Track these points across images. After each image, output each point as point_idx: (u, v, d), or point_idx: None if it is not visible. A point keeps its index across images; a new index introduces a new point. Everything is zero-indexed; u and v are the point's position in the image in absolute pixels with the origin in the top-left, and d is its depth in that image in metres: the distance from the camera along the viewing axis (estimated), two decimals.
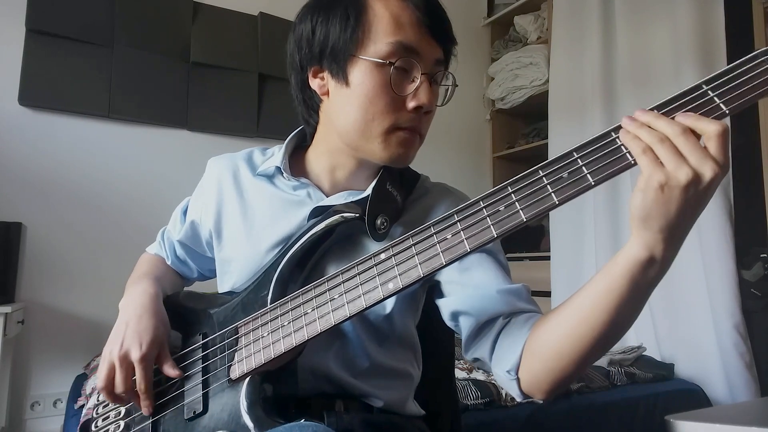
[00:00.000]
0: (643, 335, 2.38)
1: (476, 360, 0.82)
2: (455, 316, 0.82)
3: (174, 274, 1.06)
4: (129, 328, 0.81)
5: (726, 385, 2.15)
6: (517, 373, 0.73)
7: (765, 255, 2.22)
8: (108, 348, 0.81)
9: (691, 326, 2.28)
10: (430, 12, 0.79)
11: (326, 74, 0.84)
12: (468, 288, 0.81)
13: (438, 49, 0.81)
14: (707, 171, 0.53)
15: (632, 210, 0.57)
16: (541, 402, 1.70)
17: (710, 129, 0.54)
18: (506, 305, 0.79)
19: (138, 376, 0.78)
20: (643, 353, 2.24)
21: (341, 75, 0.80)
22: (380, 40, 0.77)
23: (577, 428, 1.76)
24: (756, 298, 2.22)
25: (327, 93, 0.85)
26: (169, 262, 1.06)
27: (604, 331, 0.64)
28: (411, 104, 0.79)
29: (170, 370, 0.80)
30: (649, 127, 0.56)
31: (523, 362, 0.73)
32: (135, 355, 0.78)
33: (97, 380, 0.82)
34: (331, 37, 0.80)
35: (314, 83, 0.86)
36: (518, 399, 0.76)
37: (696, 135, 0.55)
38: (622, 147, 0.57)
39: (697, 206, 0.56)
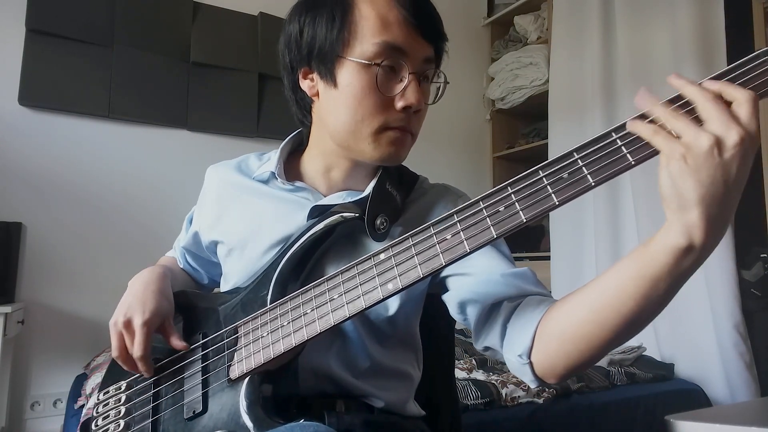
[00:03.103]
0: (643, 335, 2.37)
1: (487, 349, 0.79)
2: (462, 307, 0.81)
3: (187, 276, 1.08)
4: (134, 299, 0.84)
5: (726, 385, 2.15)
6: (529, 357, 0.71)
7: (765, 255, 2.22)
8: (113, 319, 0.83)
9: (691, 326, 2.28)
10: (417, 10, 0.79)
11: (315, 75, 0.83)
12: (470, 276, 0.80)
13: (427, 47, 0.80)
14: (732, 134, 0.51)
15: (662, 191, 0.55)
16: (542, 402, 1.71)
17: (739, 95, 0.53)
18: (512, 288, 0.77)
19: (136, 341, 0.80)
20: (643, 353, 2.24)
21: (329, 76, 0.80)
22: (366, 40, 0.77)
23: (577, 428, 1.75)
24: (756, 298, 2.22)
25: (317, 94, 0.84)
26: (181, 266, 1.08)
27: (628, 318, 0.62)
28: (399, 104, 0.78)
29: (176, 342, 0.82)
30: (674, 99, 0.56)
31: (536, 345, 0.70)
32: (137, 321, 0.80)
33: (112, 351, 0.83)
34: (317, 38, 0.80)
35: (304, 84, 0.86)
36: (532, 385, 0.74)
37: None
38: (623, 147, 0.56)
39: (730, 177, 0.52)
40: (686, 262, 0.57)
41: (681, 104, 0.56)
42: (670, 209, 0.56)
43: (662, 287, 0.59)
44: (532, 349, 0.71)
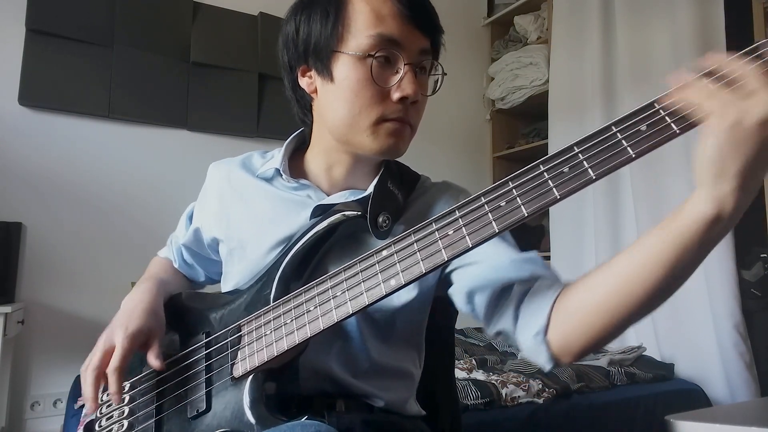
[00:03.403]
0: (643, 335, 2.38)
1: (499, 333, 0.78)
2: (470, 296, 0.80)
3: (181, 278, 1.07)
4: (123, 316, 0.84)
5: (726, 385, 2.15)
6: (545, 335, 0.70)
7: (765, 255, 2.23)
8: (101, 336, 0.83)
9: (691, 326, 2.28)
10: (411, 3, 0.79)
11: (313, 72, 0.84)
12: (476, 265, 0.80)
13: (423, 39, 0.81)
14: None
15: (703, 159, 0.54)
16: (542, 402, 1.71)
17: None
18: (524, 271, 0.77)
19: (114, 354, 0.78)
20: (643, 353, 2.24)
21: (326, 71, 0.81)
22: (361, 33, 0.78)
23: (577, 428, 1.76)
24: (756, 298, 2.23)
25: (315, 91, 0.85)
26: (176, 266, 1.07)
27: (655, 287, 0.62)
28: (395, 95, 0.79)
29: (153, 360, 0.80)
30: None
31: (552, 323, 0.70)
32: (118, 337, 0.79)
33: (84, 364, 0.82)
34: (313, 34, 0.81)
35: (303, 82, 0.86)
36: (547, 366, 0.72)
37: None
38: (623, 141, 0.57)
39: None
40: (715, 232, 0.58)
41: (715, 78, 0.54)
42: (704, 178, 0.55)
43: (690, 256, 0.60)
44: (548, 327, 0.70)
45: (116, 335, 0.80)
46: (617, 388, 1.94)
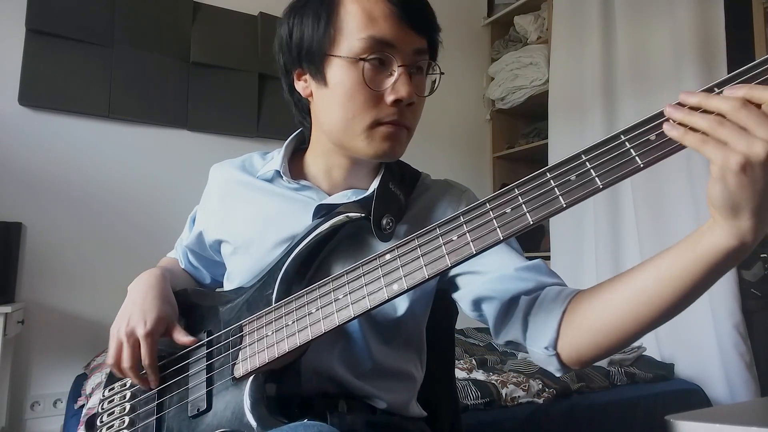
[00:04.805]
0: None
1: (509, 343, 0.81)
2: (477, 304, 0.82)
3: (188, 276, 1.08)
4: (135, 307, 0.84)
5: (726, 385, 2.15)
6: (555, 348, 0.73)
7: (765, 255, 2.23)
8: (116, 326, 0.83)
9: (691, 326, 2.28)
10: (404, 3, 0.78)
11: (307, 76, 0.84)
12: (485, 274, 0.81)
13: (418, 38, 0.79)
14: None
15: (715, 202, 0.54)
16: (542, 402, 1.71)
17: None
18: (529, 282, 0.78)
19: (143, 351, 0.80)
20: (643, 353, 2.24)
21: (320, 76, 0.80)
22: (353, 36, 0.77)
23: (577, 428, 1.76)
24: (756, 298, 2.23)
25: (311, 94, 0.85)
26: (182, 266, 1.08)
27: (668, 311, 0.64)
28: (390, 98, 0.78)
29: (182, 338, 0.82)
30: (701, 111, 0.53)
31: (562, 336, 0.72)
32: (140, 332, 0.80)
33: (107, 357, 0.83)
34: (305, 38, 0.80)
35: (298, 86, 0.86)
36: (557, 374, 0.76)
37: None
38: (631, 150, 0.56)
39: None
40: (738, 259, 0.58)
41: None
42: (722, 215, 0.55)
43: (708, 282, 0.61)
44: (558, 340, 0.72)
45: (138, 330, 0.81)
46: (617, 388, 1.94)
